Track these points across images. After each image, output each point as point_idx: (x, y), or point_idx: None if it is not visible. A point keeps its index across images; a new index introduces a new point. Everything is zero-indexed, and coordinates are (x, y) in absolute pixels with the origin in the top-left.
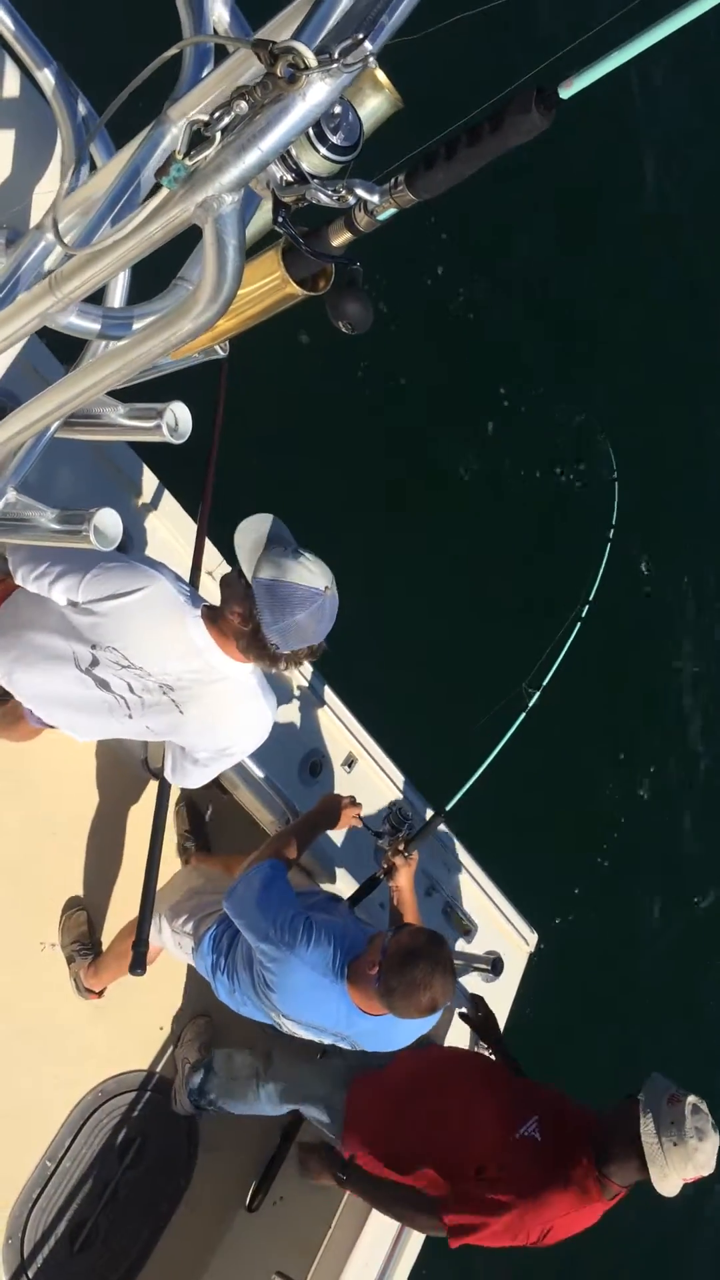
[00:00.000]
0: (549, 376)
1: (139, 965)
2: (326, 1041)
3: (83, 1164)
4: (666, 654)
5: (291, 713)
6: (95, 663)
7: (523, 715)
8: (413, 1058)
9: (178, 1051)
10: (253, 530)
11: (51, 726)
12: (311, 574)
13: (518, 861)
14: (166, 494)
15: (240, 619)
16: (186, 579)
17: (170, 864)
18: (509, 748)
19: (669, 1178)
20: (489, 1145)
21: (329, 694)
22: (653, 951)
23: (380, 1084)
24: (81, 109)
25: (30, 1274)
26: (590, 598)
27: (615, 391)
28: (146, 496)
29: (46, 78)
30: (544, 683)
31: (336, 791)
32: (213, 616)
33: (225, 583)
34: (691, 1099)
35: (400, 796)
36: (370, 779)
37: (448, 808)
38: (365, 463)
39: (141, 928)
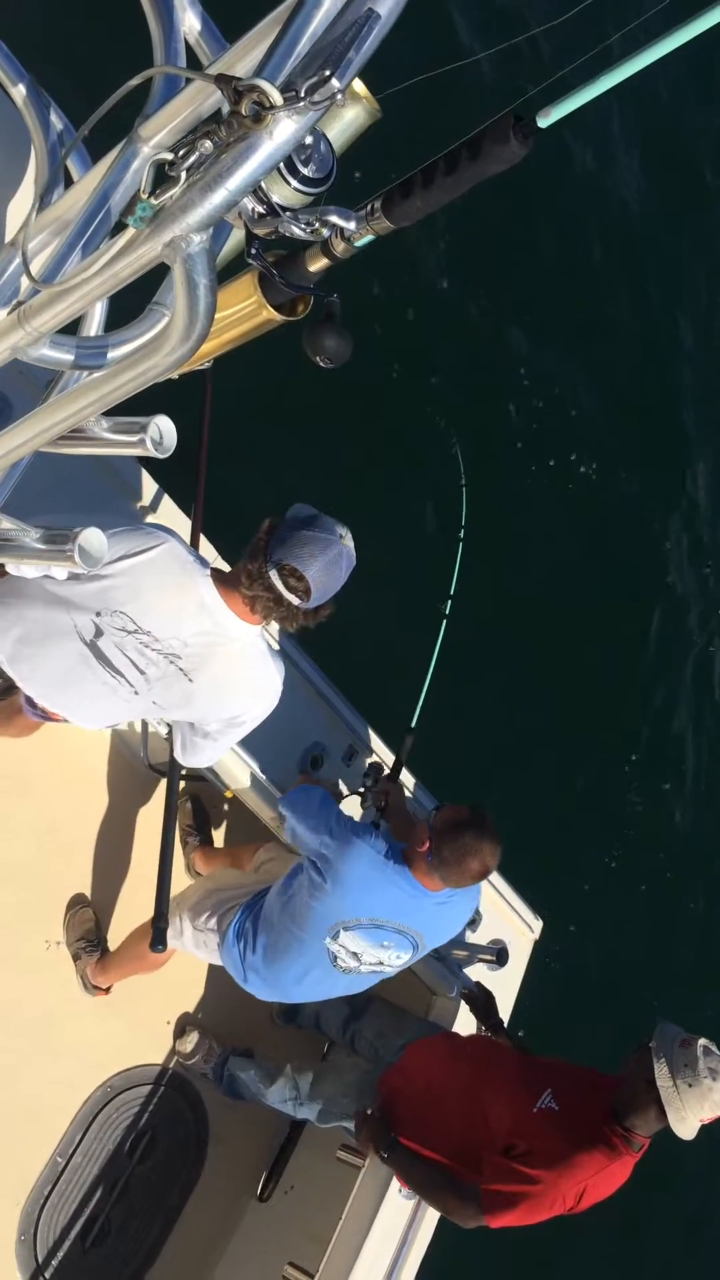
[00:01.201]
0: (415, 353)
1: (159, 941)
2: (387, 952)
3: (93, 1159)
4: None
5: (290, 708)
6: (99, 633)
7: (444, 625)
8: (425, 1058)
9: (187, 1061)
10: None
11: (50, 719)
12: (339, 525)
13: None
14: (165, 496)
15: (252, 552)
16: None
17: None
18: (453, 666)
19: (687, 1120)
20: (512, 1124)
21: (326, 688)
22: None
23: (400, 1086)
24: (57, 123)
25: (44, 1270)
26: (463, 523)
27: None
28: (145, 499)
29: (20, 91)
30: (451, 594)
31: (338, 783)
32: (221, 578)
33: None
34: (702, 1041)
35: (372, 754)
36: (364, 763)
37: (411, 725)
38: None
39: (160, 902)
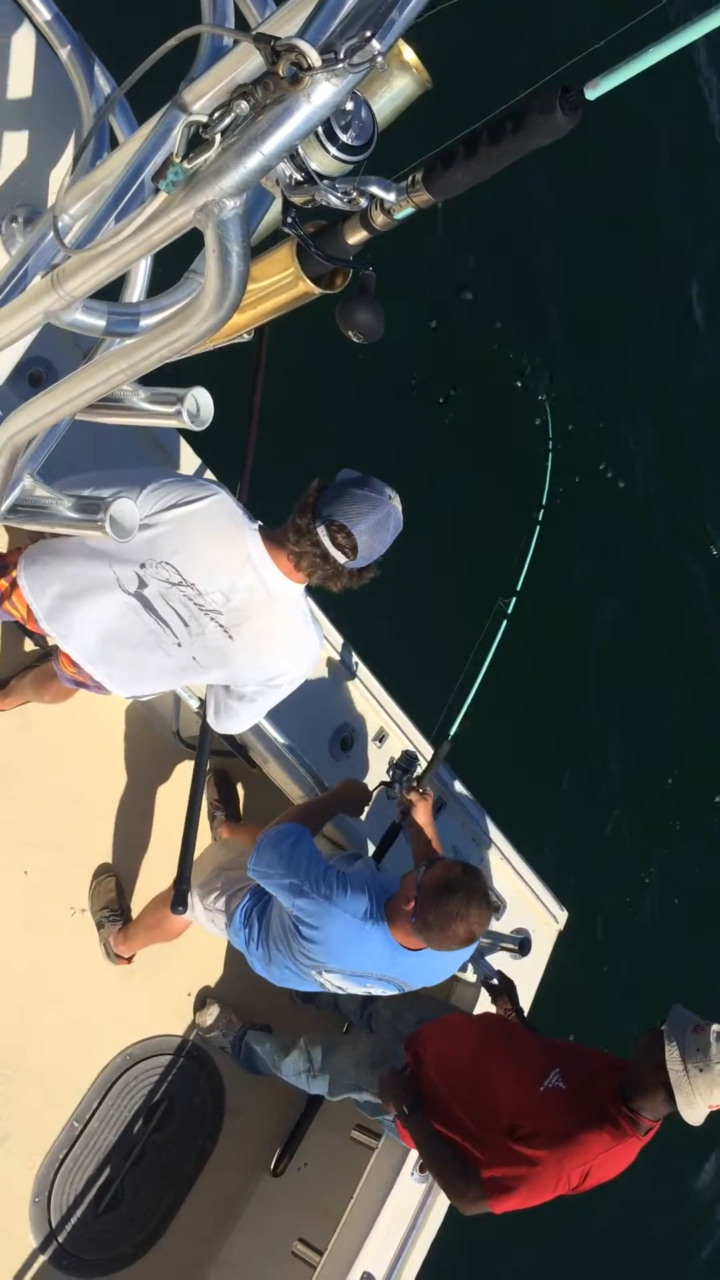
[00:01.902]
0: (494, 309)
1: (180, 903)
2: (372, 990)
3: (109, 1126)
4: (635, 546)
5: (323, 687)
6: (142, 584)
7: (504, 625)
8: (438, 1034)
9: (206, 1034)
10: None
11: (84, 685)
12: (388, 488)
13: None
14: (207, 471)
15: (301, 508)
16: None
17: (201, 829)
18: (508, 668)
19: (695, 1105)
20: (517, 1103)
21: (360, 668)
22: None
23: (417, 1055)
24: (104, 85)
25: (58, 1233)
26: (543, 502)
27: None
28: (183, 469)
29: (67, 52)
30: (517, 589)
31: (367, 769)
32: (269, 534)
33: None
34: (716, 1027)
35: (405, 742)
36: (395, 746)
37: (450, 733)
38: (315, 405)
39: (183, 864)
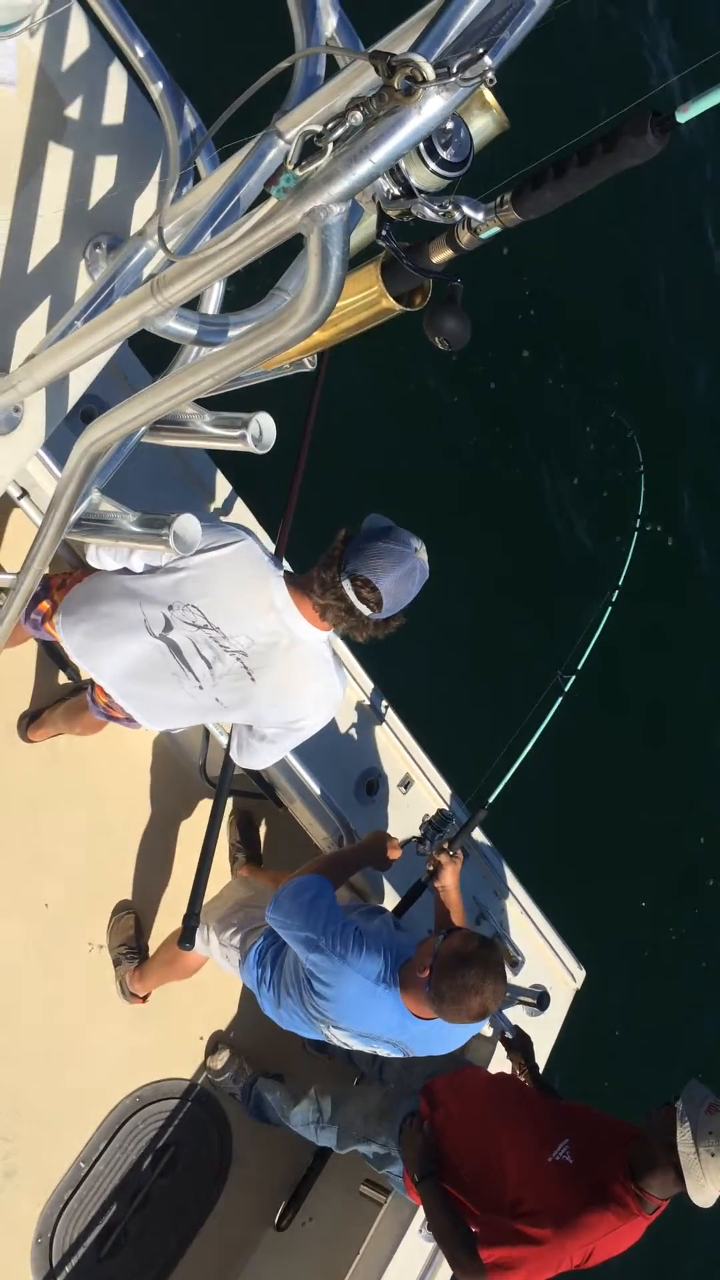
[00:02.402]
0: (579, 374)
1: (187, 939)
2: (378, 1050)
3: (116, 1168)
4: (704, 631)
5: (350, 730)
6: (169, 626)
7: (559, 701)
8: (448, 1091)
9: (216, 1079)
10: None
11: (112, 718)
12: (414, 539)
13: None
14: (239, 499)
15: (327, 562)
16: None
17: (222, 870)
18: (549, 738)
19: (706, 1189)
20: (523, 1176)
21: (389, 714)
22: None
23: (427, 1108)
24: (191, 122)
25: (57, 1274)
26: (620, 582)
27: (641, 390)
28: (218, 502)
29: (158, 89)
30: (579, 667)
31: (391, 813)
32: (294, 581)
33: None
34: None
35: (430, 790)
36: (420, 793)
37: (489, 800)
38: (387, 461)
39: (194, 900)
